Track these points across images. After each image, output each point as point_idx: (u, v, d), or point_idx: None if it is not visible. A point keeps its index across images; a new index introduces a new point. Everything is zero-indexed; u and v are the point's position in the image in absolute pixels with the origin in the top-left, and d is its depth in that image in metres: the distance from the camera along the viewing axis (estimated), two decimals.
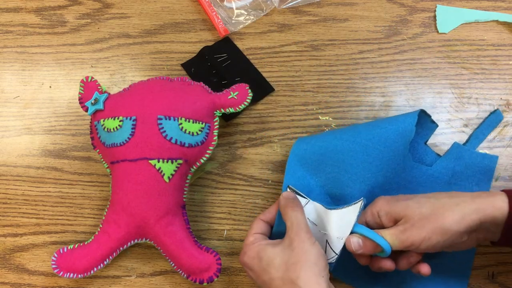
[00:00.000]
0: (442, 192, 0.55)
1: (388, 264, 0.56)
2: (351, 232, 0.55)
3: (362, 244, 0.54)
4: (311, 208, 0.58)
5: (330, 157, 0.63)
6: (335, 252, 0.56)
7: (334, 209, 0.57)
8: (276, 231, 0.59)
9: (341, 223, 0.56)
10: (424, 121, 0.65)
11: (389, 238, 0.53)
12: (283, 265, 0.51)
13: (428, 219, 0.52)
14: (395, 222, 0.54)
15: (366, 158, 0.61)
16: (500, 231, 0.52)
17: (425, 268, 0.56)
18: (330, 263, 0.56)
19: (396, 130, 0.61)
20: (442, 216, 0.51)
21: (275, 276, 0.51)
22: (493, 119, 0.69)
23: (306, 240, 0.52)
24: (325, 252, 0.56)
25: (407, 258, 0.56)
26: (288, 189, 0.60)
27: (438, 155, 0.67)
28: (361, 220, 0.57)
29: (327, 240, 0.57)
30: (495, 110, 0.70)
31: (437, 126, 0.66)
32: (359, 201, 0.56)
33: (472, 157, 0.66)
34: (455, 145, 0.67)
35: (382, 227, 0.56)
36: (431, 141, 0.68)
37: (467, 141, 0.69)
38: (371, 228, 0.56)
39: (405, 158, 0.63)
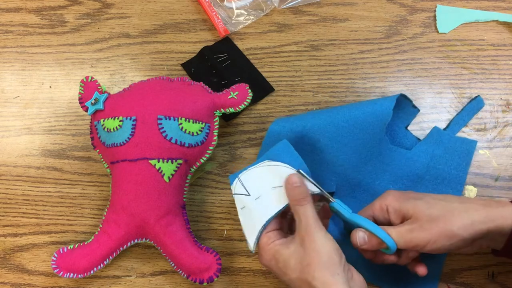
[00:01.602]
0: (453, 196, 0.55)
1: (391, 258, 0.56)
2: (358, 226, 0.55)
3: (367, 239, 0.54)
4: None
5: (306, 136, 0.64)
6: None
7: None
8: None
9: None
10: (405, 106, 0.66)
11: (394, 236, 0.53)
12: (298, 266, 0.52)
13: (437, 221, 0.52)
14: (403, 219, 0.54)
15: (341, 139, 0.63)
16: (504, 241, 0.52)
17: (422, 269, 0.56)
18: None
19: (372, 113, 0.62)
20: (450, 220, 0.51)
21: (292, 277, 0.52)
22: (474, 105, 0.70)
23: (317, 238, 0.52)
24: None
25: (406, 254, 0.56)
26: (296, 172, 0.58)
27: (418, 139, 0.68)
28: (369, 213, 0.57)
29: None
30: (476, 97, 0.70)
31: (418, 110, 0.67)
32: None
33: (451, 142, 0.67)
34: (435, 130, 0.68)
35: (389, 222, 0.56)
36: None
37: (447, 126, 0.69)
38: (378, 222, 0.56)
39: (381, 141, 0.64)
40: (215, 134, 0.65)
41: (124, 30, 0.77)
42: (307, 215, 0.53)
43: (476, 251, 0.55)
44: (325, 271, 0.50)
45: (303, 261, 0.51)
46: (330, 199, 0.57)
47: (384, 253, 0.56)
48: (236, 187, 0.59)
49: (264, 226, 0.56)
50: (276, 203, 0.56)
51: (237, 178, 0.59)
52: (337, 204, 0.57)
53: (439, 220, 0.52)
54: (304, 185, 0.55)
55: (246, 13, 0.77)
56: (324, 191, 0.57)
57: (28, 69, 0.76)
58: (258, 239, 0.56)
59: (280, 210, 0.56)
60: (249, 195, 0.57)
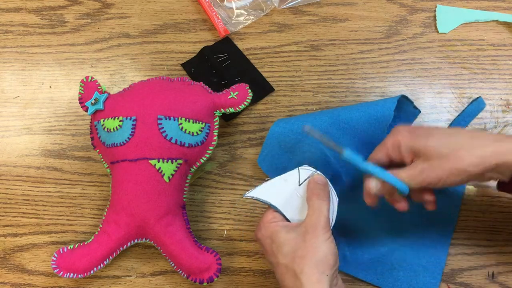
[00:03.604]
0: (464, 130, 0.55)
1: (402, 205, 0.57)
2: (368, 173, 0.55)
3: (380, 186, 0.55)
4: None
5: (307, 137, 0.64)
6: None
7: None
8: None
9: None
10: (406, 107, 0.66)
11: (406, 179, 0.53)
12: (291, 254, 0.52)
13: (447, 159, 0.52)
14: (414, 156, 0.54)
15: (342, 140, 0.63)
16: (509, 176, 0.52)
17: (430, 205, 0.57)
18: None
19: (374, 114, 0.62)
20: (461, 158, 0.51)
21: (281, 262, 0.52)
22: (475, 107, 0.70)
23: (320, 236, 0.52)
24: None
25: (420, 194, 0.57)
26: (316, 173, 0.58)
27: None
28: (383, 152, 0.56)
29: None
30: (477, 98, 0.69)
31: (419, 112, 0.67)
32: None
33: None
34: None
35: (401, 160, 0.56)
36: None
37: (448, 127, 0.69)
38: (392, 160, 0.56)
39: None
40: (215, 134, 0.65)
41: (124, 30, 0.77)
42: (321, 211, 0.54)
43: (486, 181, 0.55)
44: (315, 269, 0.51)
45: (297, 251, 0.52)
46: (341, 150, 0.57)
47: (395, 202, 0.57)
48: (305, 170, 0.58)
49: (275, 207, 0.56)
50: (290, 212, 0.57)
51: (311, 171, 0.58)
52: (347, 153, 0.56)
53: (449, 158, 0.52)
54: (328, 187, 0.56)
55: (246, 13, 0.77)
56: (333, 144, 0.56)
57: (28, 69, 0.76)
58: (258, 201, 0.57)
59: (283, 214, 0.56)
60: (299, 186, 0.57)
